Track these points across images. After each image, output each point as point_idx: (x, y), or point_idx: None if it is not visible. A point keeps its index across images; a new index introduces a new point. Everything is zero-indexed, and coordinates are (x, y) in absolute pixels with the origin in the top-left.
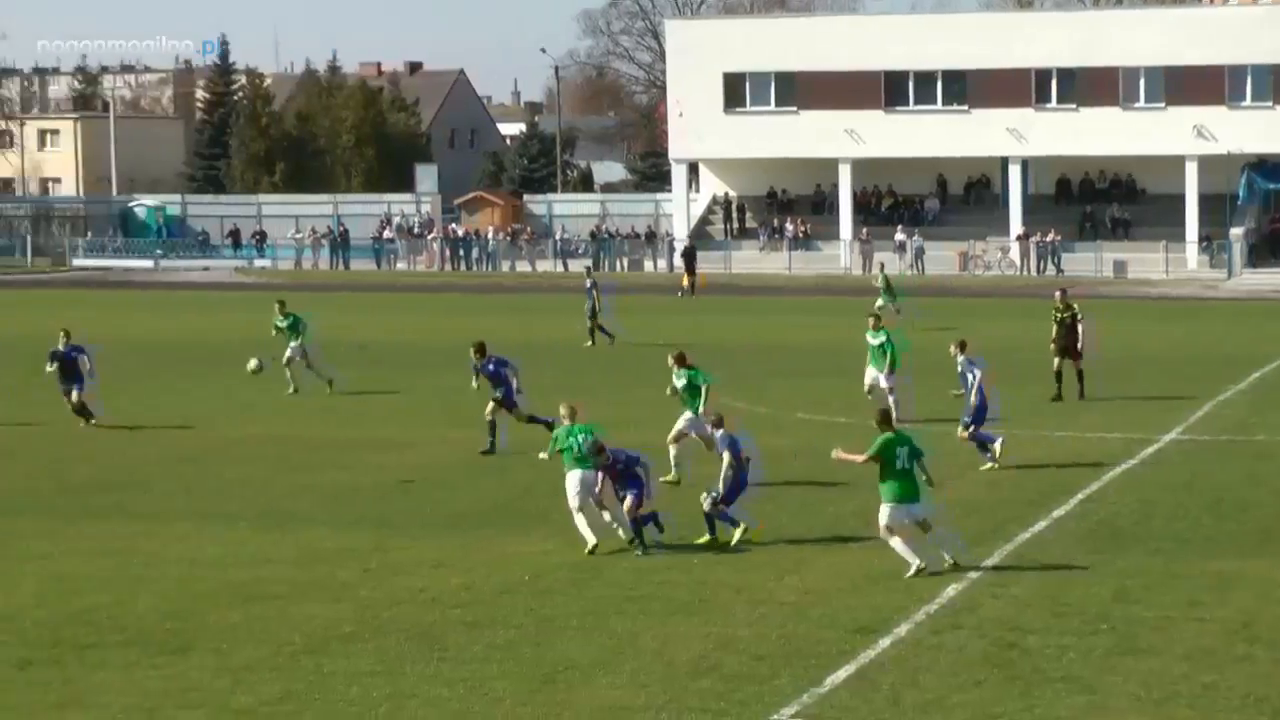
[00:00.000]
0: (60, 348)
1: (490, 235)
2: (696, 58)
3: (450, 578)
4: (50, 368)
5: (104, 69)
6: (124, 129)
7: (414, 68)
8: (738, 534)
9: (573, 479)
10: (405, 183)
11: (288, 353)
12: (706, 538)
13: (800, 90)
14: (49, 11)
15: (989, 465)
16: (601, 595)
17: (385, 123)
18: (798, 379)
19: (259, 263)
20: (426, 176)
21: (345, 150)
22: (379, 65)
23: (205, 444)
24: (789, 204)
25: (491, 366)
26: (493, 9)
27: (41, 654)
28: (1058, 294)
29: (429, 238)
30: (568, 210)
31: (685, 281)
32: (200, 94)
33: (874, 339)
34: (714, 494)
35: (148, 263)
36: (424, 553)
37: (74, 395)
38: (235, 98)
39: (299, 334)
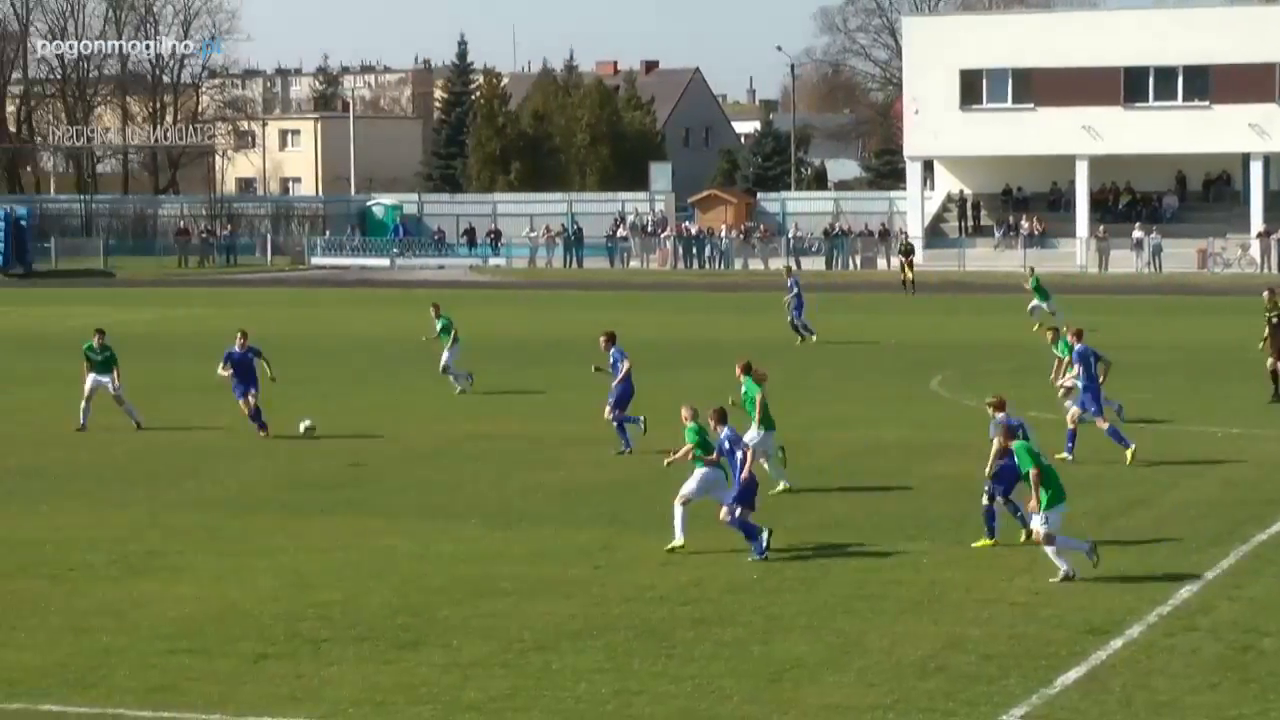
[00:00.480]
0: (236, 349)
1: (723, 233)
2: (933, 54)
3: (679, 575)
4: (223, 370)
5: (344, 69)
6: (363, 129)
7: (650, 66)
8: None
9: (698, 475)
10: (640, 181)
11: (444, 359)
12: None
13: (1037, 87)
14: (291, 13)
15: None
16: (830, 594)
17: (620, 121)
18: (1030, 376)
19: (494, 261)
20: (661, 175)
21: (580, 149)
22: (615, 64)
23: (436, 441)
24: (1024, 201)
25: (612, 358)
26: (729, 7)
27: (276, 648)
28: (1265, 293)
29: (662, 236)
30: (801, 208)
31: (910, 275)
32: (438, 94)
33: (1057, 352)
34: (993, 488)
35: (384, 261)
36: (654, 550)
37: (250, 399)
38: (473, 97)
39: (452, 338)
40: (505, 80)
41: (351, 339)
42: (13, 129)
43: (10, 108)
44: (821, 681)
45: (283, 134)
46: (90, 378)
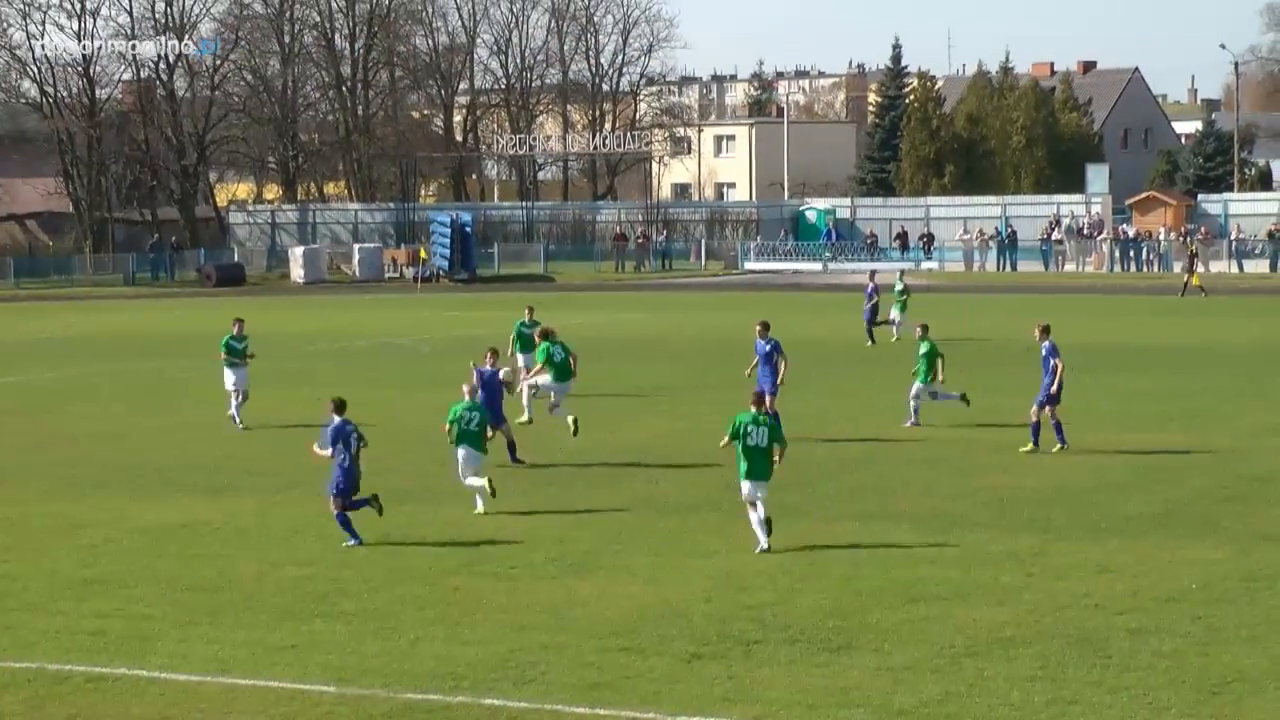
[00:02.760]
0: (486, 366)
1: (1162, 236)
2: None
3: (1115, 583)
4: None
5: (779, 75)
6: (797, 134)
7: (1087, 67)
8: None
9: (461, 453)
10: (1075, 183)
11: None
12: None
13: None
14: (727, 21)
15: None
16: (1274, 605)
17: (1056, 123)
18: None
19: (926, 265)
20: (1097, 177)
21: (1015, 151)
22: (1051, 65)
23: (870, 445)
24: None
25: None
26: (1170, 6)
27: (709, 648)
28: None
29: (1098, 239)
30: (1244, 210)
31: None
32: (872, 98)
33: (921, 347)
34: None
35: (816, 265)
36: (1089, 557)
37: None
38: (906, 101)
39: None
40: (939, 83)
41: (787, 343)
42: (459, 138)
43: (457, 117)
44: (1265, 695)
45: (718, 140)
46: (229, 373)
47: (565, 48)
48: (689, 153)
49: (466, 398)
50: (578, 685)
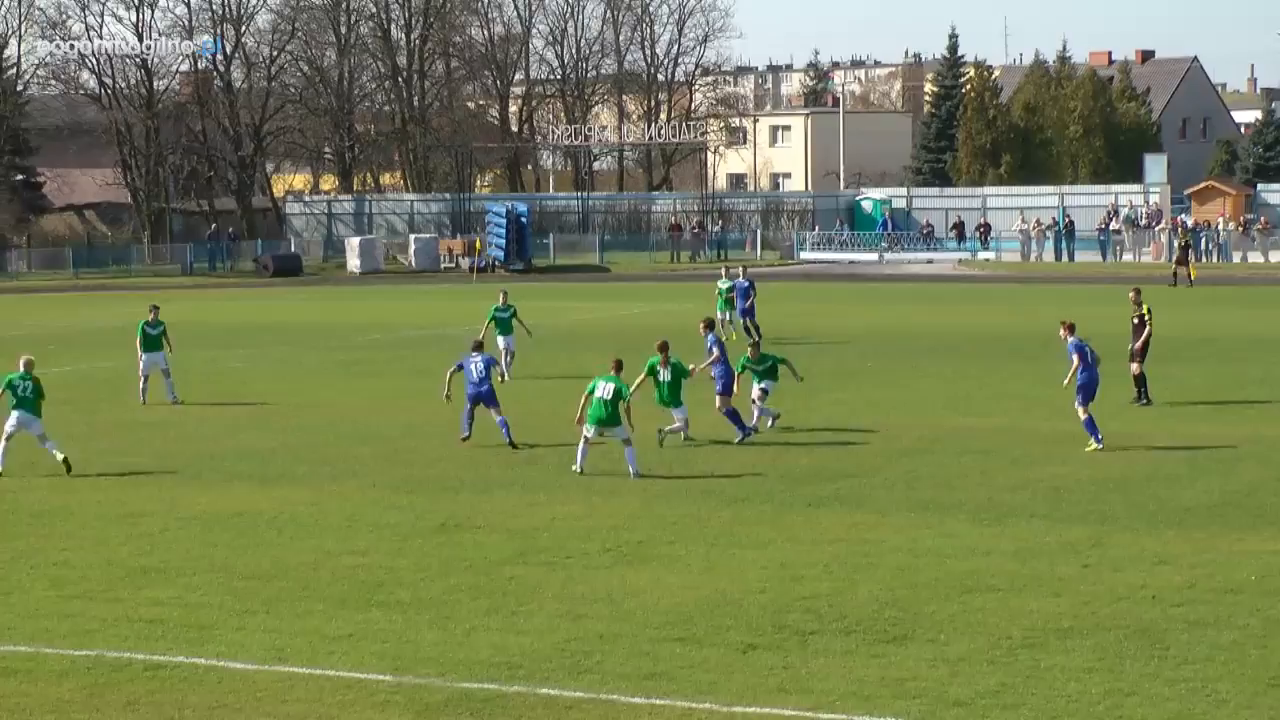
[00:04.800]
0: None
1: (1221, 226)
2: None
3: (1173, 575)
4: (24, 364)
5: (835, 64)
6: (853, 123)
7: (1145, 56)
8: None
9: (12, 417)
10: (1133, 173)
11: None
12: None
13: None
14: (783, 10)
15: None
16: None
17: (1114, 112)
18: None
19: (982, 255)
20: (1155, 166)
21: (1072, 141)
22: (1109, 54)
23: (925, 435)
24: None
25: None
26: None
27: (764, 639)
28: (1131, 293)
29: (1156, 229)
30: None
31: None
32: (928, 87)
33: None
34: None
35: (872, 256)
36: (1145, 548)
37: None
38: (963, 90)
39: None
40: (996, 73)
41: (843, 332)
42: (514, 129)
43: (512, 108)
44: None
45: (773, 130)
46: (144, 358)
47: (620, 38)
48: (744, 143)
49: (21, 369)
50: (633, 675)
